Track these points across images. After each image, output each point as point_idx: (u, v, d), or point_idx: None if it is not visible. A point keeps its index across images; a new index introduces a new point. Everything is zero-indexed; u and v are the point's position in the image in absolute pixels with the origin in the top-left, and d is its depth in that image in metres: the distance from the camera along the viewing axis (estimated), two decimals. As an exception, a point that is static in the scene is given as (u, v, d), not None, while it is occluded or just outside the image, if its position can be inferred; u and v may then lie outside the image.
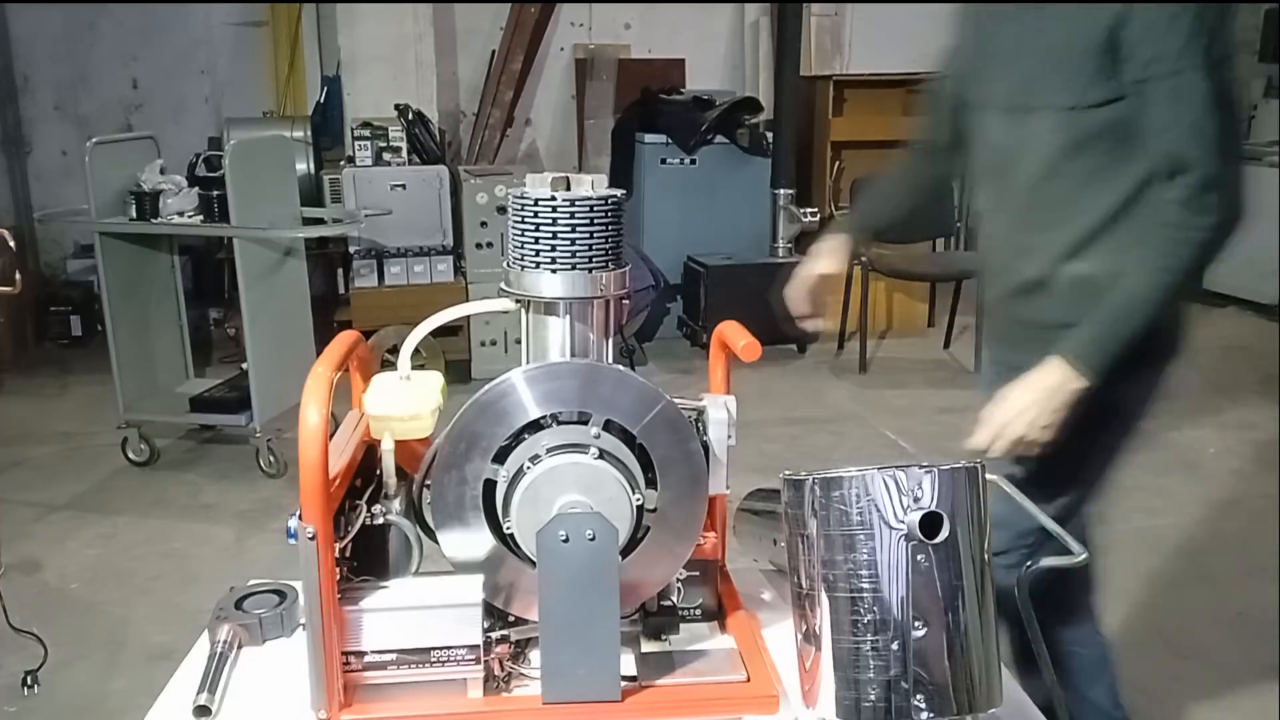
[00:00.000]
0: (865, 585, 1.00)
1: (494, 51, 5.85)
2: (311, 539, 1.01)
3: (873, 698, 1.00)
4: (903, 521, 0.99)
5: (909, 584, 0.99)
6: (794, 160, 5.46)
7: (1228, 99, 1.38)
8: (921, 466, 1.00)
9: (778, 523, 1.35)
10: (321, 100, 5.55)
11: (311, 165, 5.02)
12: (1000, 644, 1.05)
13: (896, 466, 1.00)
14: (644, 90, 5.60)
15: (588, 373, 1.12)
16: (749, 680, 1.15)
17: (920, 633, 0.99)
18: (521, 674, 1.16)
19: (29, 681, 2.50)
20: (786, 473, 1.08)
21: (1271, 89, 6.81)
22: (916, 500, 0.99)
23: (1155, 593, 3.08)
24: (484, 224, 4.74)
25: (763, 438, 3.94)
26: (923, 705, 0.99)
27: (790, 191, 5.41)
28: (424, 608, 1.09)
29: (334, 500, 1.05)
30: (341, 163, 4.90)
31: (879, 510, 0.99)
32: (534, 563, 1.07)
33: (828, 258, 1.75)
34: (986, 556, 1.03)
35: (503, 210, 4.33)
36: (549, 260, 1.11)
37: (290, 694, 1.12)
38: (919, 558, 0.98)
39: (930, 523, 0.98)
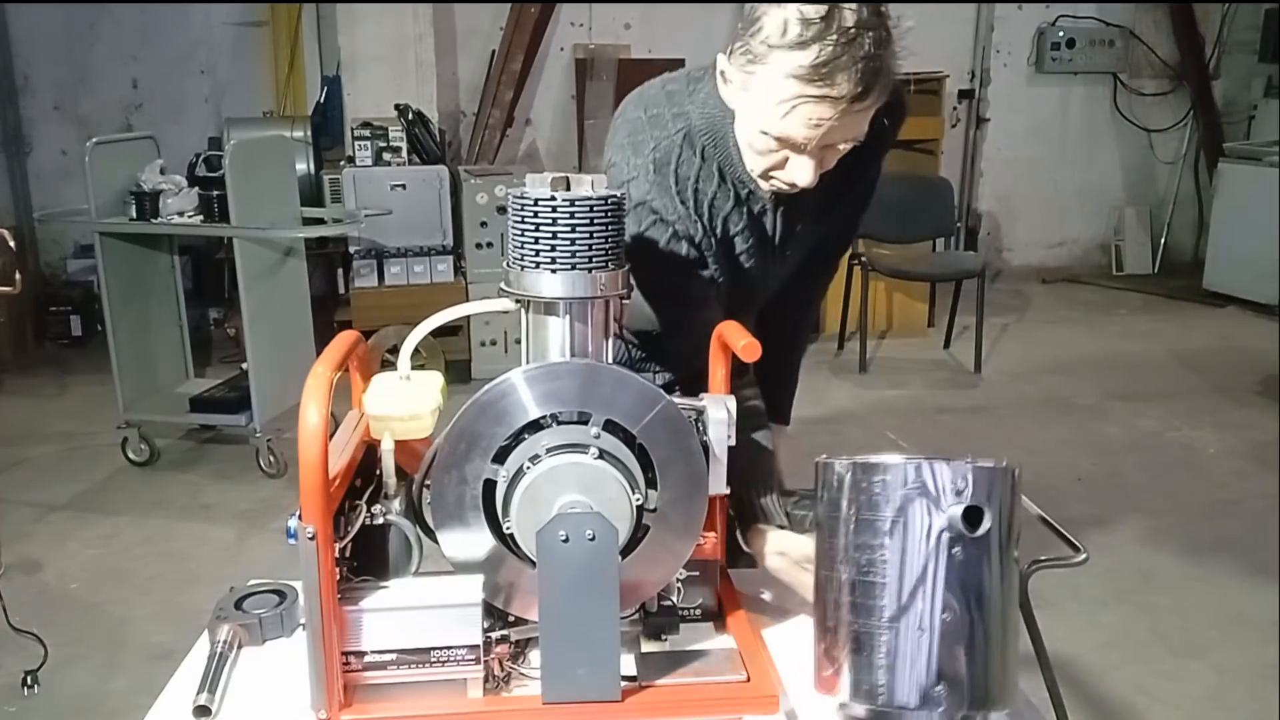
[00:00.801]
0: (895, 573, 1.01)
1: (494, 51, 5.85)
2: (311, 539, 1.01)
3: (892, 684, 1.01)
4: (943, 512, 1.00)
5: (940, 575, 1.00)
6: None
7: None
8: (967, 461, 1.01)
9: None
10: (321, 100, 5.55)
11: (311, 165, 5.02)
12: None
13: (940, 459, 1.01)
14: (644, 90, 5.60)
15: (588, 373, 1.12)
16: (749, 680, 1.15)
17: (946, 624, 1.00)
18: (521, 674, 1.16)
19: (29, 681, 2.50)
20: (823, 457, 1.09)
21: (1271, 89, 6.81)
22: (959, 494, 1.00)
23: (1155, 593, 3.08)
24: (484, 224, 4.74)
25: (763, 438, 3.93)
26: (942, 695, 1.00)
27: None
28: (424, 608, 1.09)
29: (334, 500, 1.05)
30: (341, 163, 4.90)
31: (921, 500, 1.00)
32: (534, 563, 1.07)
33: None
34: (1015, 557, 1.04)
35: (503, 210, 4.33)
36: (549, 260, 1.11)
37: (290, 694, 1.12)
38: (954, 550, 1.00)
39: (971, 516, 0.99)
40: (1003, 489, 1.02)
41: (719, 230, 1.44)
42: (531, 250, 1.11)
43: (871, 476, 1.02)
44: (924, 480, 1.00)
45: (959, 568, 1.00)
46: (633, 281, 1.21)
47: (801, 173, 1.31)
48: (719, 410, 1.16)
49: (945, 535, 0.99)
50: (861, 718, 1.04)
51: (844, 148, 1.31)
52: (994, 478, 1.01)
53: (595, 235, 1.11)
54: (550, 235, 1.10)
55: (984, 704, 1.01)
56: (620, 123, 1.47)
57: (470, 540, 1.13)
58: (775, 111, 1.26)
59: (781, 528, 1.38)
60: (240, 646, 1.23)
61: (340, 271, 5.09)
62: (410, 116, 4.77)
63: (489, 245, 4.73)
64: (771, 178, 1.36)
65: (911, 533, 1.00)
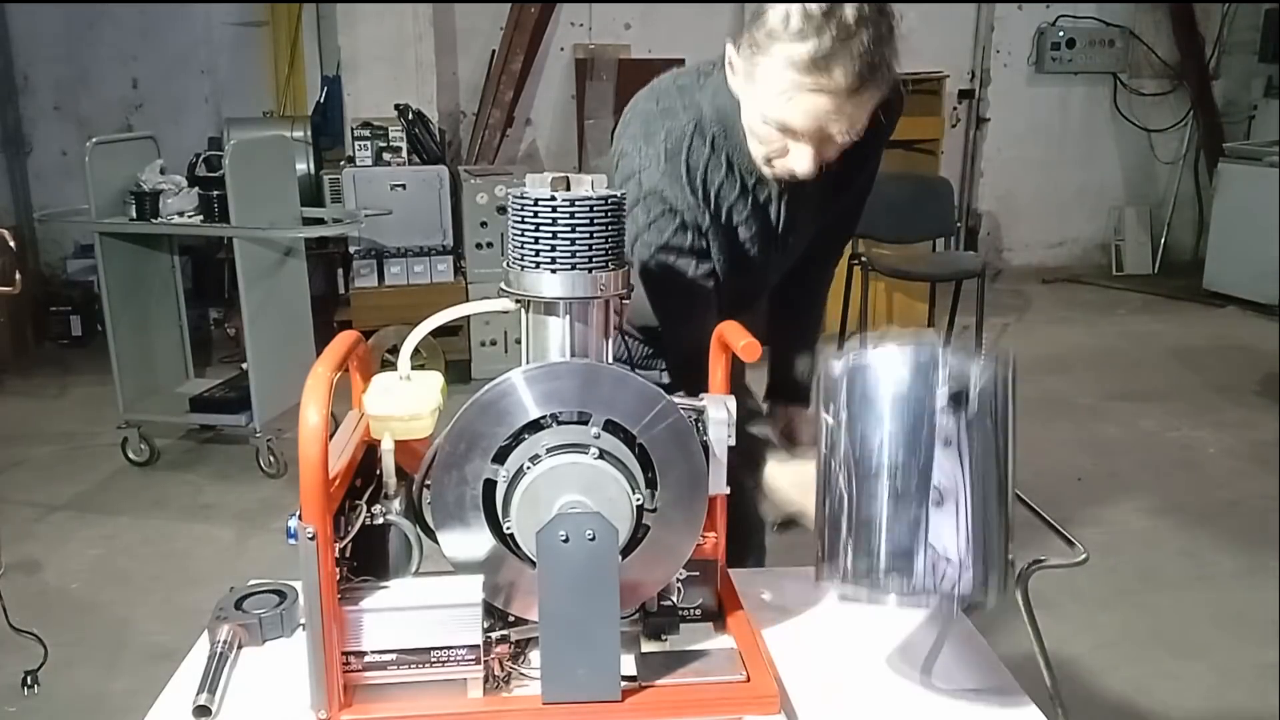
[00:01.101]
0: (891, 460, 1.05)
1: (494, 51, 5.85)
2: (311, 539, 1.01)
3: (887, 566, 1.05)
4: (934, 399, 1.04)
5: (934, 460, 1.04)
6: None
7: None
8: (955, 348, 1.06)
9: None
10: (321, 100, 5.55)
11: (311, 165, 5.02)
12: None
13: (930, 347, 1.06)
14: (644, 90, 5.60)
15: (588, 373, 1.12)
16: (749, 680, 1.15)
17: (942, 509, 1.04)
18: (521, 674, 1.16)
19: (29, 681, 2.50)
20: (823, 357, 1.14)
21: (1271, 89, 6.81)
22: (948, 379, 1.04)
23: (1155, 593, 3.08)
24: (484, 224, 4.74)
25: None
26: (935, 577, 1.04)
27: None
28: (424, 608, 1.09)
29: (334, 500, 1.05)
30: (341, 163, 4.90)
31: (911, 387, 1.05)
32: (534, 563, 1.07)
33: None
34: (1010, 446, 1.07)
35: (503, 210, 4.33)
36: (549, 260, 1.11)
37: (290, 694, 1.12)
38: (946, 434, 1.04)
39: (958, 400, 1.04)
40: (994, 375, 1.06)
41: (724, 218, 1.48)
42: (531, 250, 1.11)
43: (866, 369, 1.07)
44: (916, 370, 1.05)
45: (953, 453, 1.04)
46: (635, 271, 1.22)
47: (801, 161, 1.35)
48: (719, 410, 1.16)
49: (937, 421, 1.04)
50: (864, 603, 1.08)
51: (842, 140, 1.33)
52: (983, 363, 1.06)
53: (595, 235, 1.11)
54: (550, 235, 1.10)
55: (981, 587, 1.04)
56: (631, 115, 1.51)
57: (470, 540, 1.13)
58: (776, 100, 1.29)
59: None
60: (240, 646, 1.23)
61: (340, 271, 5.09)
62: (410, 116, 4.77)
63: (489, 245, 4.73)
64: (773, 165, 1.39)
65: (905, 420, 1.05)
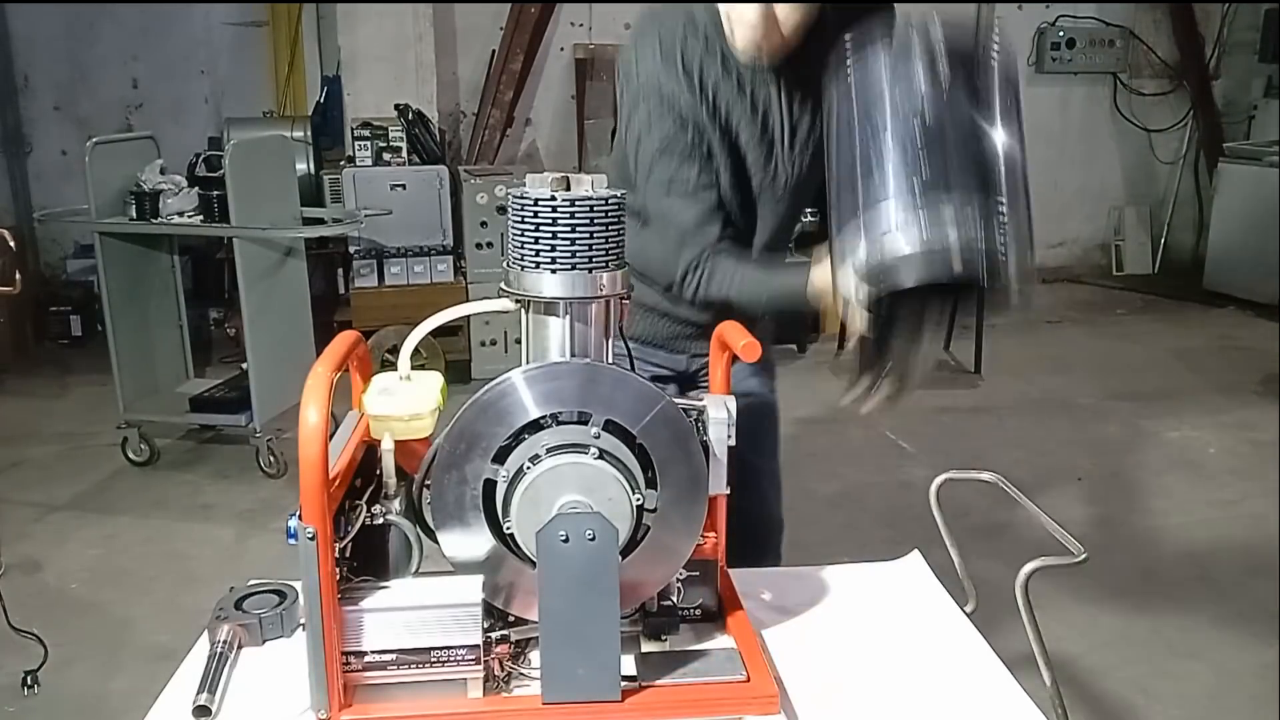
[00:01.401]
0: (886, 141, 1.14)
1: (494, 51, 5.84)
2: (311, 539, 1.01)
3: (898, 244, 1.14)
4: (919, 78, 1.15)
5: (927, 134, 1.14)
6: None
7: None
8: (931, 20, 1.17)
9: None
10: (321, 100, 5.55)
11: (311, 165, 5.02)
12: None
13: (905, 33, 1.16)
14: (644, 90, 5.59)
15: (588, 373, 1.12)
16: (749, 680, 1.15)
17: (941, 187, 1.12)
18: (521, 674, 1.16)
19: (29, 681, 2.50)
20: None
21: (1271, 89, 6.81)
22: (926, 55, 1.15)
23: (1155, 593, 3.08)
24: (484, 224, 4.74)
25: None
26: (946, 233, 1.12)
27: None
28: (424, 608, 1.09)
29: (334, 500, 1.05)
30: (341, 163, 4.90)
31: (896, 77, 1.15)
32: (534, 563, 1.07)
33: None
34: (1016, 107, 1.17)
35: (503, 210, 4.33)
36: (549, 260, 1.11)
37: (290, 694, 1.12)
38: (935, 107, 1.14)
39: (941, 69, 1.14)
40: (981, 39, 1.16)
41: (723, 118, 1.52)
42: (531, 250, 1.11)
43: (857, 71, 1.18)
44: (899, 60, 1.15)
45: (944, 110, 1.13)
46: (639, 182, 1.23)
47: (748, 10, 1.44)
48: (719, 410, 1.17)
49: (921, 110, 1.13)
50: (886, 286, 1.16)
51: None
52: (964, 33, 1.16)
53: (595, 235, 1.11)
54: (550, 235, 1.10)
55: (1000, 256, 1.14)
56: (631, 33, 1.59)
57: (470, 540, 1.13)
58: None
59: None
60: (240, 646, 1.23)
61: (340, 271, 5.09)
62: (410, 116, 4.78)
63: (489, 245, 4.73)
64: (735, 35, 1.47)
65: (897, 104, 1.14)
